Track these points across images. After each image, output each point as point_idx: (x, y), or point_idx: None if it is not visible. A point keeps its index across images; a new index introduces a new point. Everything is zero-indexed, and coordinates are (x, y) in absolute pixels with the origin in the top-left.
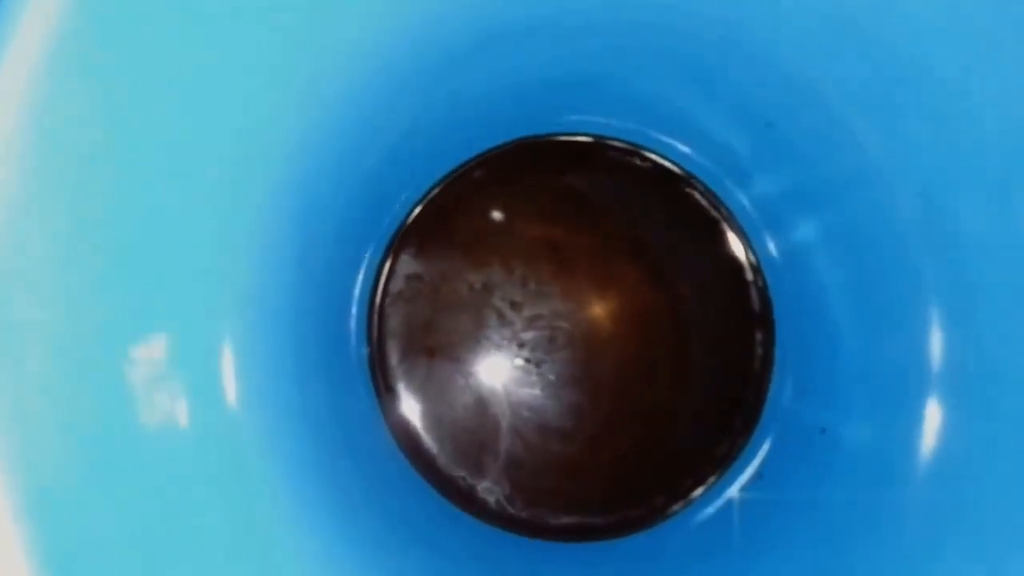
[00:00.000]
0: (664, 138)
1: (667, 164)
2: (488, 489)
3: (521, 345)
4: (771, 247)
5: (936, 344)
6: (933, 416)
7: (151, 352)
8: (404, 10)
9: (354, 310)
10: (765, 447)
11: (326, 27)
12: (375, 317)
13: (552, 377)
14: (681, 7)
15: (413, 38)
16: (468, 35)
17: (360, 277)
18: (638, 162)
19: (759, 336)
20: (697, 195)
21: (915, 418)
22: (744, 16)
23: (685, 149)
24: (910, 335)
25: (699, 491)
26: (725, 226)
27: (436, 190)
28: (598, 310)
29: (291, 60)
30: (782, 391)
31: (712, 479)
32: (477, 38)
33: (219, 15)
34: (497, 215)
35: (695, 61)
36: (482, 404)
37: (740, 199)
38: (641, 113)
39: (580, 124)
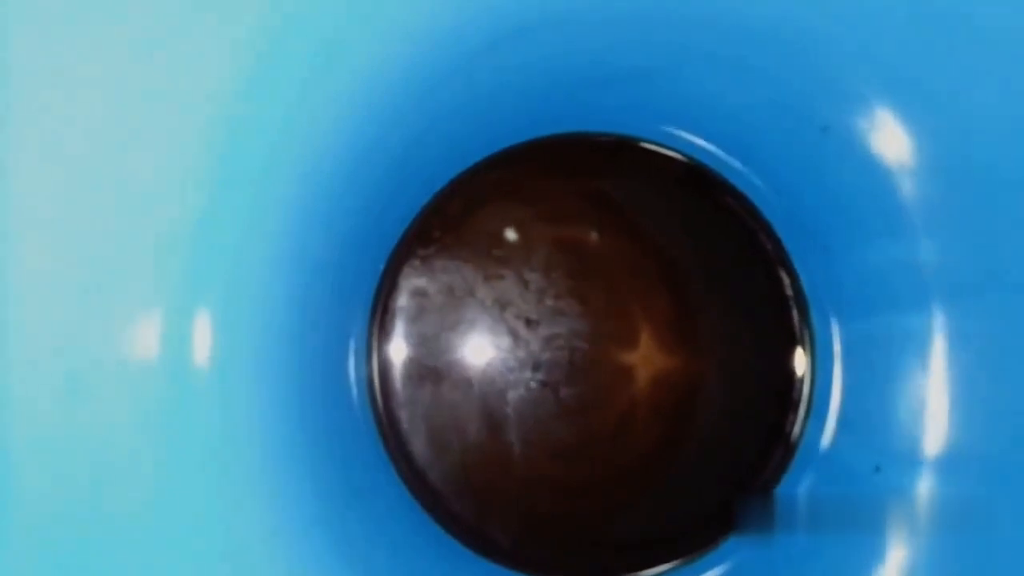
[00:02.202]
0: (699, 141)
1: (702, 168)
2: (500, 527)
3: (537, 367)
4: (815, 264)
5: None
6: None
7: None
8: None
9: (353, 328)
10: (806, 484)
11: (340, 17)
12: (376, 337)
13: (572, 403)
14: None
15: (430, 31)
16: (491, 24)
17: (360, 291)
18: (670, 166)
19: (799, 361)
20: (735, 205)
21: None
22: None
23: (712, 148)
24: None
25: (732, 533)
26: (764, 239)
27: (443, 195)
28: (622, 329)
29: (299, 54)
30: (824, 422)
31: (748, 517)
32: (499, 28)
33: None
34: (511, 222)
35: (744, 60)
36: (494, 433)
37: (782, 213)
38: (678, 115)
39: (607, 123)
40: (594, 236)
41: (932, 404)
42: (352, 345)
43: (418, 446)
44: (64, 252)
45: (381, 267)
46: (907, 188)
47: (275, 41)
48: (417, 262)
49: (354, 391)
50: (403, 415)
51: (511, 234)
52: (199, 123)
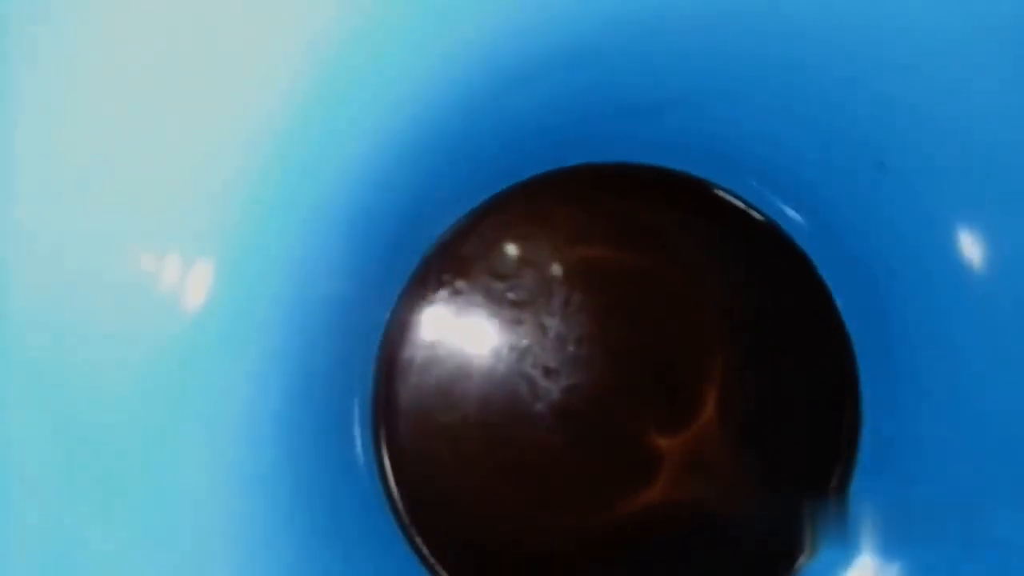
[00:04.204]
0: (748, 181)
1: (748, 208)
2: None
3: (558, 421)
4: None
5: None
6: None
7: None
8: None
9: (356, 382)
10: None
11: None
12: (381, 390)
13: (598, 462)
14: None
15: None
16: (519, 54)
17: (366, 340)
18: (706, 201)
19: (848, 403)
20: (786, 251)
21: None
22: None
23: (758, 186)
24: None
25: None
26: (812, 277)
27: (453, 234)
28: (651, 379)
29: (322, 81)
30: (882, 474)
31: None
32: (529, 59)
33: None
34: (527, 261)
35: (794, 93)
36: (514, 498)
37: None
38: (719, 147)
39: (636, 154)
40: (617, 276)
41: None
42: (356, 402)
43: (429, 517)
44: (66, 256)
45: (387, 313)
46: None
47: (294, 68)
48: (426, 307)
49: (358, 450)
50: (412, 479)
51: (526, 275)
52: (200, 137)
